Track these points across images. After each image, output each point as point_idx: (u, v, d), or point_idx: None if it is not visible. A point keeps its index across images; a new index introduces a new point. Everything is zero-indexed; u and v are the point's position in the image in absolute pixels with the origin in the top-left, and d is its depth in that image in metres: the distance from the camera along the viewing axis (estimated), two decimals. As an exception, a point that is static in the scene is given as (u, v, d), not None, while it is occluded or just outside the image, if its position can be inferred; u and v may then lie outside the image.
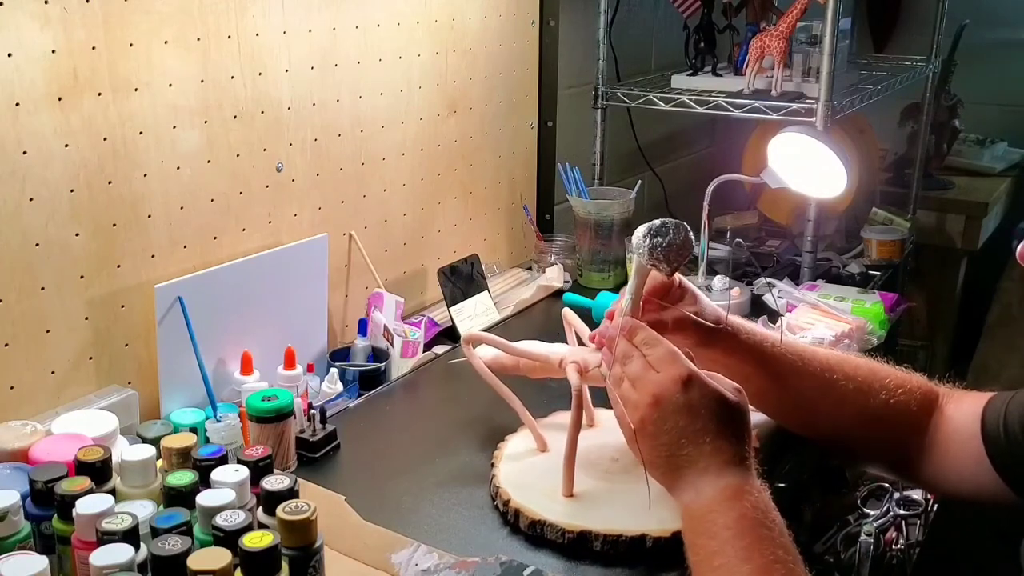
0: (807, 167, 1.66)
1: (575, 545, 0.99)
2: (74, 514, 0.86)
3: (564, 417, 1.19)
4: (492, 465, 1.12)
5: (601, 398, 1.17)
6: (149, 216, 1.23)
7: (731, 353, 1.05)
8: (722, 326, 1.05)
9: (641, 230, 0.98)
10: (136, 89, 1.18)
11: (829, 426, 1.10)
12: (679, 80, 1.95)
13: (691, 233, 0.97)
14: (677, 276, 1.04)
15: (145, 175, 1.22)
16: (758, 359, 1.06)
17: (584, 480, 1.06)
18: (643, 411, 0.91)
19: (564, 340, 1.22)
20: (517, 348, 1.16)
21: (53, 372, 1.16)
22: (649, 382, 0.91)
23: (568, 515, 1.00)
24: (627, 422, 0.93)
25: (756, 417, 1.04)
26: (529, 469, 1.10)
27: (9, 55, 1.05)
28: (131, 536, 0.83)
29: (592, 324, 1.64)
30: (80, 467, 0.93)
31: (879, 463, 1.15)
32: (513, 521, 1.03)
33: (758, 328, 1.10)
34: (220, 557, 0.79)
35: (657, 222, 0.97)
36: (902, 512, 1.41)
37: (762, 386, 1.06)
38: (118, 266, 1.21)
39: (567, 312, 1.24)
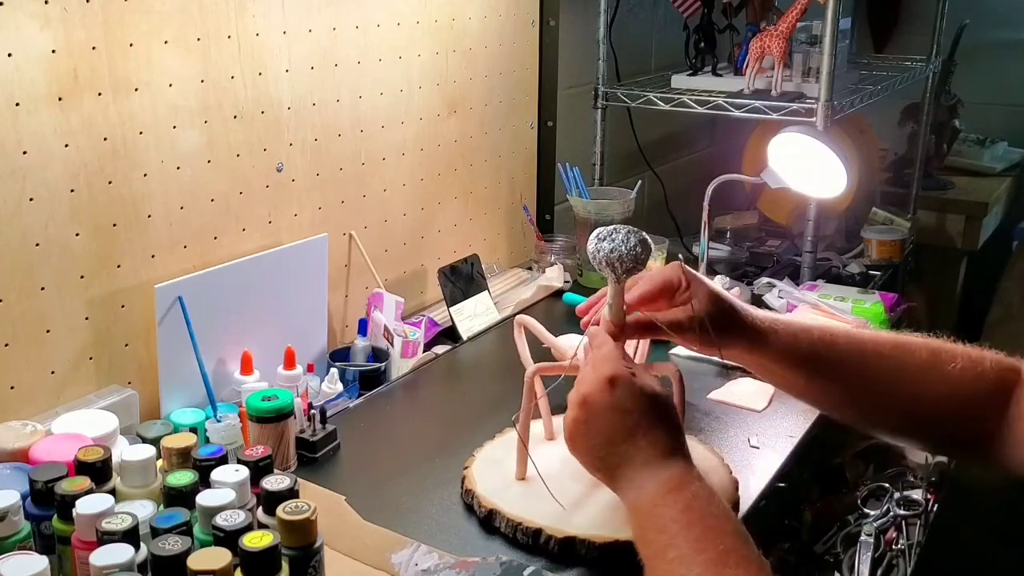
0: (807, 167, 1.66)
1: (565, 551, 0.99)
2: (74, 514, 0.86)
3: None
4: (465, 467, 1.13)
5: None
6: (149, 216, 1.23)
7: (772, 358, 1.01)
8: (749, 329, 1.00)
9: (592, 235, 0.97)
10: (136, 89, 1.18)
11: (893, 417, 1.05)
12: (679, 80, 1.95)
13: (647, 242, 0.95)
14: (683, 275, 1.01)
15: (145, 175, 1.22)
16: (802, 360, 1.01)
17: (574, 487, 1.06)
18: (574, 412, 0.91)
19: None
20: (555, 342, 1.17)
21: (53, 372, 1.16)
22: (581, 383, 0.92)
23: (557, 521, 1.01)
24: (565, 437, 0.93)
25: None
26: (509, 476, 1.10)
27: (9, 55, 1.05)
28: (131, 536, 0.83)
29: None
30: (80, 467, 0.93)
31: (956, 449, 1.09)
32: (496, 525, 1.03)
33: (802, 321, 1.05)
34: (220, 557, 0.79)
35: (608, 228, 0.96)
36: (902, 512, 1.41)
37: (815, 386, 1.03)
38: (118, 266, 1.21)
39: (522, 319, 1.22)
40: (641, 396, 0.90)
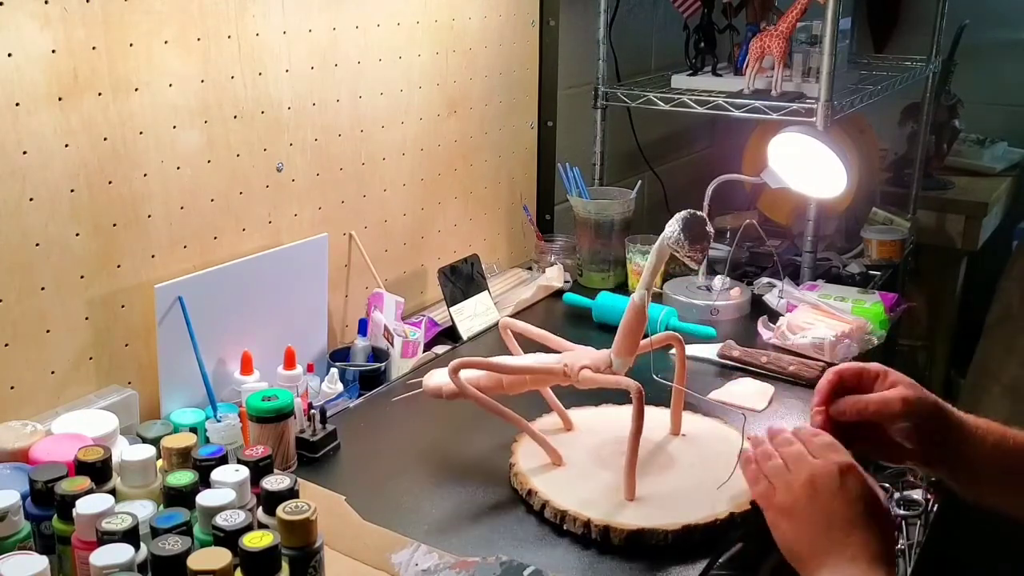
0: (807, 167, 1.66)
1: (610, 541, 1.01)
2: (74, 514, 0.86)
3: (549, 422, 1.21)
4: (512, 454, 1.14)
5: (576, 398, 1.20)
6: (149, 216, 1.23)
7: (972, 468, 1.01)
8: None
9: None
10: (136, 89, 1.18)
11: None
12: (679, 80, 1.95)
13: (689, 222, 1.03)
14: (879, 368, 1.02)
15: (145, 175, 1.22)
16: (1007, 461, 1.00)
17: (610, 478, 1.08)
18: (797, 491, 0.91)
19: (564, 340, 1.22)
20: (511, 365, 1.14)
21: (53, 372, 1.16)
22: (807, 464, 0.92)
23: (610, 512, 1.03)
24: (770, 501, 0.93)
25: None
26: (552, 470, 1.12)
27: (9, 55, 1.05)
28: (131, 536, 0.83)
29: (590, 324, 1.65)
30: (80, 467, 0.93)
31: None
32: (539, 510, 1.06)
33: (993, 423, 1.03)
34: (220, 557, 0.79)
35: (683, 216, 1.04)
36: (902, 512, 1.41)
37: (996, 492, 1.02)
38: (118, 266, 1.21)
39: (506, 322, 1.23)
40: (870, 492, 0.90)
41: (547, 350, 1.20)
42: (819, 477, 0.91)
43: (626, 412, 1.07)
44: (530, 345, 1.23)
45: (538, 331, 1.21)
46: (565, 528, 1.03)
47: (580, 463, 1.13)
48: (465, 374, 1.11)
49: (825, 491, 0.90)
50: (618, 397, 1.18)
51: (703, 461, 1.13)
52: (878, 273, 2.01)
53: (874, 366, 1.02)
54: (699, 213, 1.04)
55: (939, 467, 1.02)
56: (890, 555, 0.88)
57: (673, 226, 1.03)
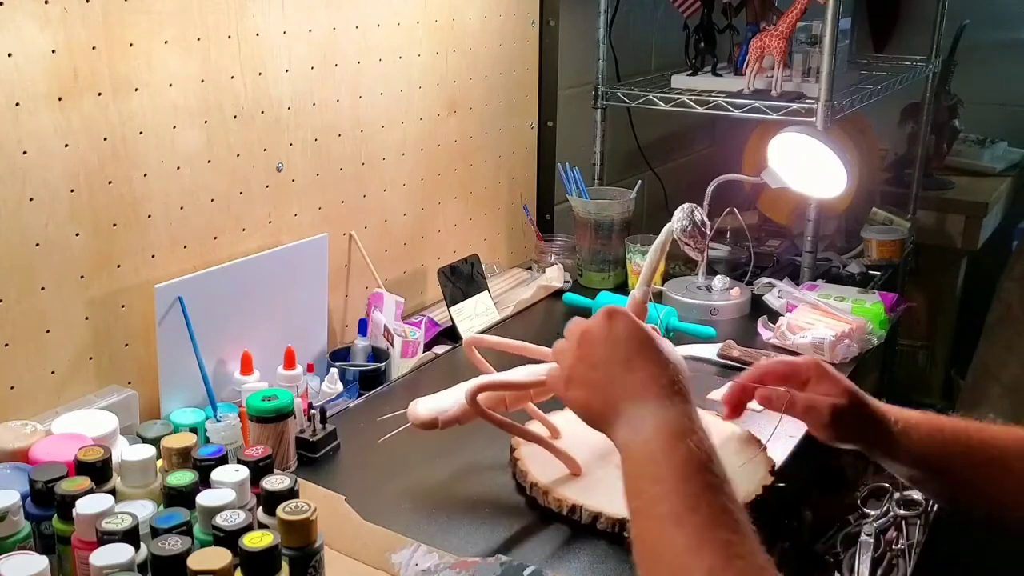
0: (807, 167, 1.66)
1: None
2: (74, 514, 0.86)
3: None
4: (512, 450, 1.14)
5: (541, 405, 1.18)
6: (149, 216, 1.23)
7: (895, 458, 1.02)
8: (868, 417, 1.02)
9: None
10: (136, 89, 1.18)
11: (997, 504, 1.04)
12: (679, 80, 1.95)
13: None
14: (817, 372, 1.04)
15: (145, 175, 1.22)
16: (938, 459, 1.02)
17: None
18: (573, 354, 0.90)
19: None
20: (526, 381, 1.10)
21: (53, 372, 1.16)
22: (577, 327, 0.92)
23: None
24: (558, 378, 0.93)
25: None
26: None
27: (9, 55, 1.05)
28: (131, 536, 0.83)
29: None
30: (80, 467, 0.93)
31: None
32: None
33: (927, 416, 1.04)
34: (220, 557, 0.79)
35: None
36: (902, 512, 1.41)
37: (949, 484, 1.04)
38: (118, 266, 1.21)
39: (470, 339, 1.20)
40: (639, 329, 0.89)
41: (524, 362, 1.15)
42: (588, 329, 0.90)
43: None
44: (506, 359, 1.19)
45: (515, 343, 1.16)
46: (599, 528, 1.03)
47: (587, 467, 1.12)
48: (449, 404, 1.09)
49: (597, 339, 0.89)
50: None
51: None
52: (878, 273, 2.01)
53: (807, 367, 1.03)
54: (700, 208, 1.06)
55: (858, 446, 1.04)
56: (682, 389, 0.84)
57: (680, 216, 1.05)
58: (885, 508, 1.43)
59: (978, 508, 1.05)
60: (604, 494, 1.05)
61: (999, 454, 1.01)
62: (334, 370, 1.35)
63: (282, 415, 1.12)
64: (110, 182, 1.18)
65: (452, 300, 1.59)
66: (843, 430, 1.01)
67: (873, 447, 1.02)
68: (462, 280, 1.62)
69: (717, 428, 1.21)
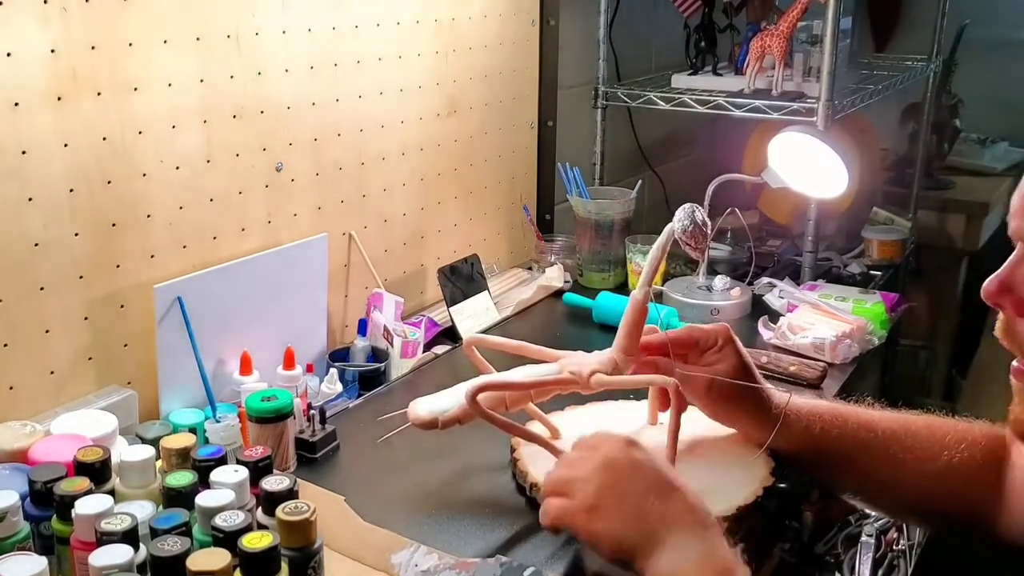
0: (808, 167, 1.66)
1: None
2: (73, 514, 0.86)
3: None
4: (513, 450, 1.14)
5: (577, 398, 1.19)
6: (149, 216, 1.23)
7: (784, 442, 1.05)
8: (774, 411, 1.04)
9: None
10: (136, 89, 1.18)
11: (892, 496, 1.06)
12: (679, 80, 1.95)
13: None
14: (722, 339, 1.07)
15: (145, 175, 1.22)
16: (814, 444, 1.04)
17: None
18: (595, 484, 0.87)
19: (561, 342, 1.21)
20: (527, 381, 1.10)
21: (53, 372, 1.16)
22: (593, 455, 0.90)
23: None
24: (573, 510, 0.88)
25: None
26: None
27: (9, 55, 1.05)
28: (130, 537, 0.83)
29: (590, 324, 1.65)
30: (79, 467, 0.93)
31: (953, 524, 1.08)
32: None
33: (809, 402, 1.07)
34: (220, 558, 0.79)
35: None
36: (903, 512, 1.40)
37: (823, 468, 1.07)
38: (118, 266, 1.21)
39: (470, 339, 1.20)
40: (662, 460, 0.90)
41: (524, 362, 1.15)
42: (612, 461, 0.88)
43: (596, 410, 1.12)
44: (506, 359, 1.19)
45: (515, 343, 1.16)
46: None
47: None
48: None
49: (622, 471, 0.87)
50: (578, 398, 1.17)
51: (703, 458, 1.13)
52: (879, 273, 2.01)
53: (717, 333, 1.06)
54: (701, 208, 1.06)
55: (741, 428, 1.09)
56: (708, 513, 0.86)
57: (681, 216, 1.05)
58: (886, 508, 1.42)
59: (862, 494, 1.10)
60: None
61: (876, 438, 1.03)
62: (333, 370, 1.35)
63: (281, 415, 1.12)
64: (109, 182, 1.18)
65: (452, 300, 1.59)
66: (717, 408, 1.06)
67: (750, 431, 1.07)
68: (462, 280, 1.62)
69: (717, 428, 1.21)
